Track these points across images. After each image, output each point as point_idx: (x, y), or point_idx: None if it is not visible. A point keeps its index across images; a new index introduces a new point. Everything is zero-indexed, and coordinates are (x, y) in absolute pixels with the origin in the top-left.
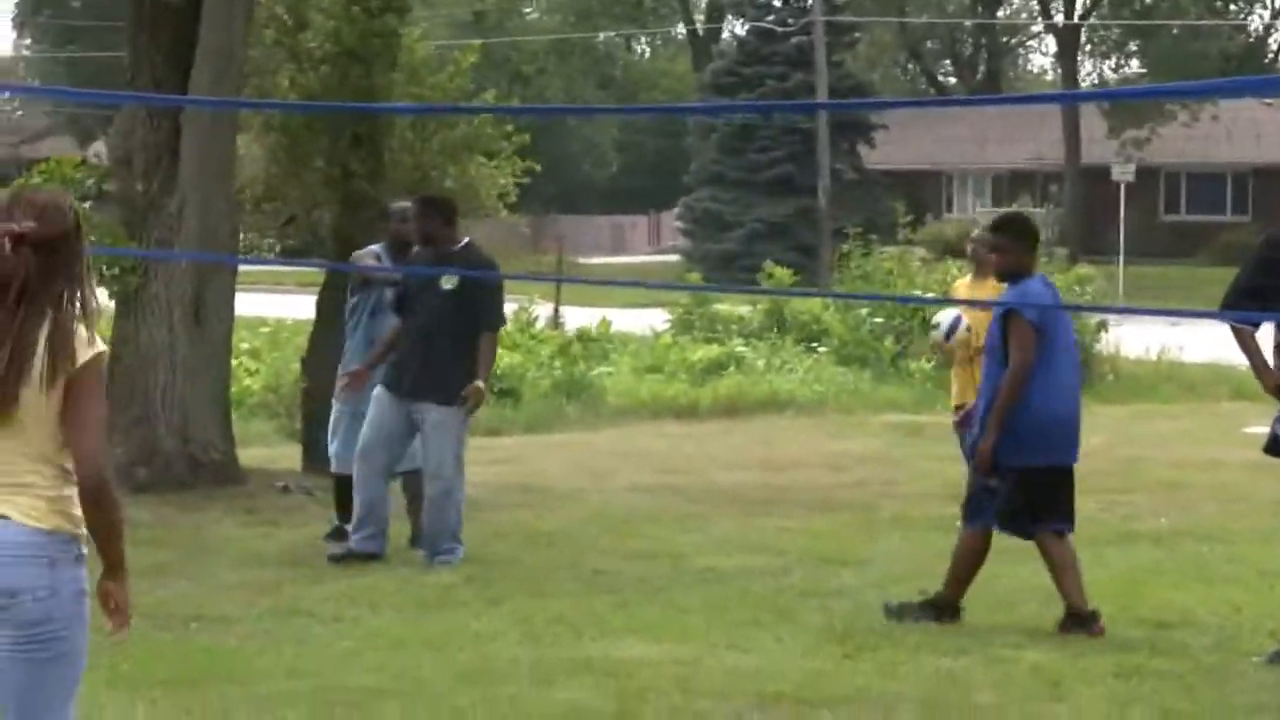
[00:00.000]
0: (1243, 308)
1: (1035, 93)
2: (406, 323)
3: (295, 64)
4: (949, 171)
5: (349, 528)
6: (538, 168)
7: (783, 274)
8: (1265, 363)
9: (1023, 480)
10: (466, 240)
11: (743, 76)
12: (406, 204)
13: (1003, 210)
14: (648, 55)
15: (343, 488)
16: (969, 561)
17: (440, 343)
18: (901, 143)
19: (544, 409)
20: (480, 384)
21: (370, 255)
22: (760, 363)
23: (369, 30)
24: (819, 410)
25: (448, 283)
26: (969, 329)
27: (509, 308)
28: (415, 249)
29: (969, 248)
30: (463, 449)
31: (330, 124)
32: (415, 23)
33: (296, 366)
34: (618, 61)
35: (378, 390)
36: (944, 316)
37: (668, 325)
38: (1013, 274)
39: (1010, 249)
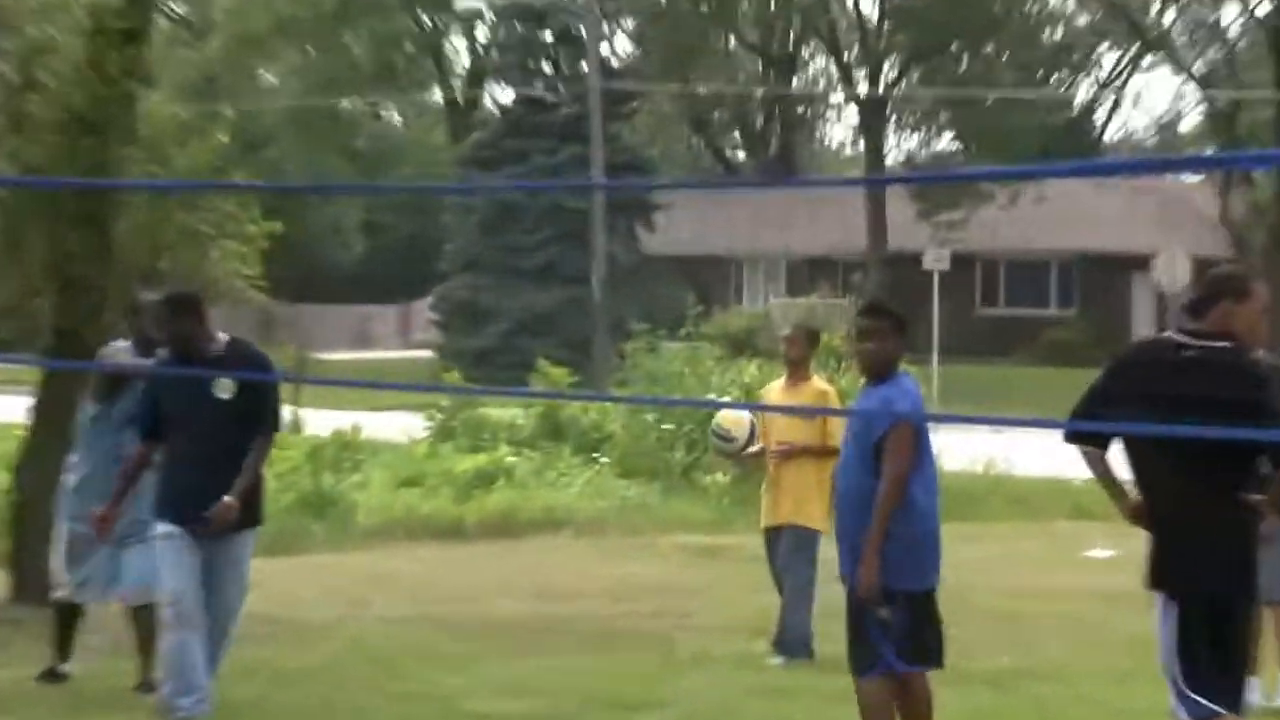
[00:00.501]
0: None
1: (837, 175)
2: (175, 444)
3: (18, 133)
4: (738, 257)
5: (65, 668)
6: (270, 242)
7: (558, 373)
8: (1122, 488)
9: (917, 603)
10: (229, 338)
11: (505, 150)
12: (158, 299)
13: (800, 300)
14: (398, 122)
15: (65, 619)
16: (880, 715)
17: (226, 461)
18: (685, 225)
19: (287, 527)
20: (232, 500)
21: (122, 353)
22: (533, 475)
23: (104, 96)
24: (601, 529)
25: (224, 391)
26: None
27: None
28: (162, 355)
29: (783, 346)
30: None
31: (51, 202)
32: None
33: (4, 476)
34: (363, 131)
35: (166, 529)
36: (732, 422)
37: (426, 431)
38: (886, 369)
39: (889, 338)
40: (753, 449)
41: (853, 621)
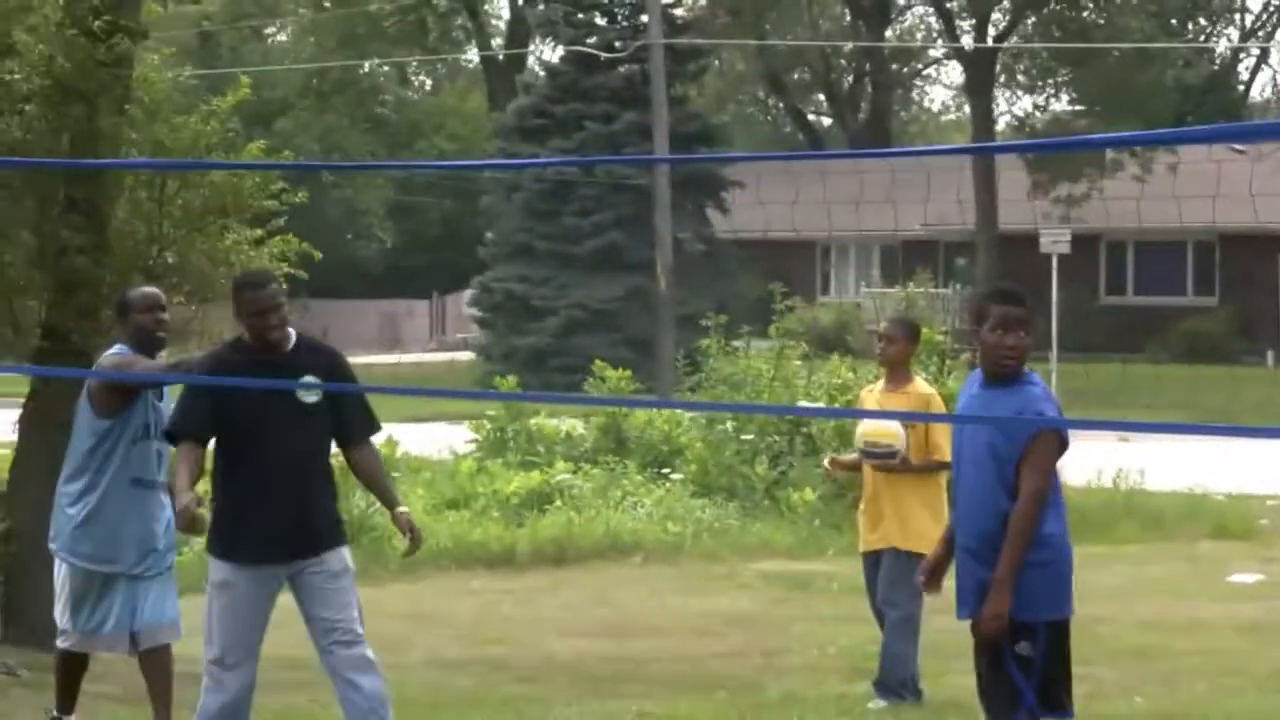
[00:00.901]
0: None
1: (943, 145)
2: (243, 461)
3: (10, 100)
4: (824, 241)
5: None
6: (317, 255)
7: (618, 375)
8: None
9: (1055, 638)
10: (296, 335)
11: (555, 117)
12: (152, 290)
13: (895, 290)
14: (429, 88)
15: (69, 668)
16: None
17: (316, 475)
18: (762, 204)
19: None
20: (404, 508)
21: (120, 359)
22: (595, 494)
23: (92, 58)
24: (673, 556)
25: (310, 393)
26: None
27: None
28: (231, 348)
29: (879, 343)
30: None
31: (38, 184)
32: (154, 49)
33: None
34: (389, 97)
35: (222, 570)
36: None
37: (472, 446)
38: (1017, 370)
39: (1030, 330)
40: (850, 456)
41: (988, 662)
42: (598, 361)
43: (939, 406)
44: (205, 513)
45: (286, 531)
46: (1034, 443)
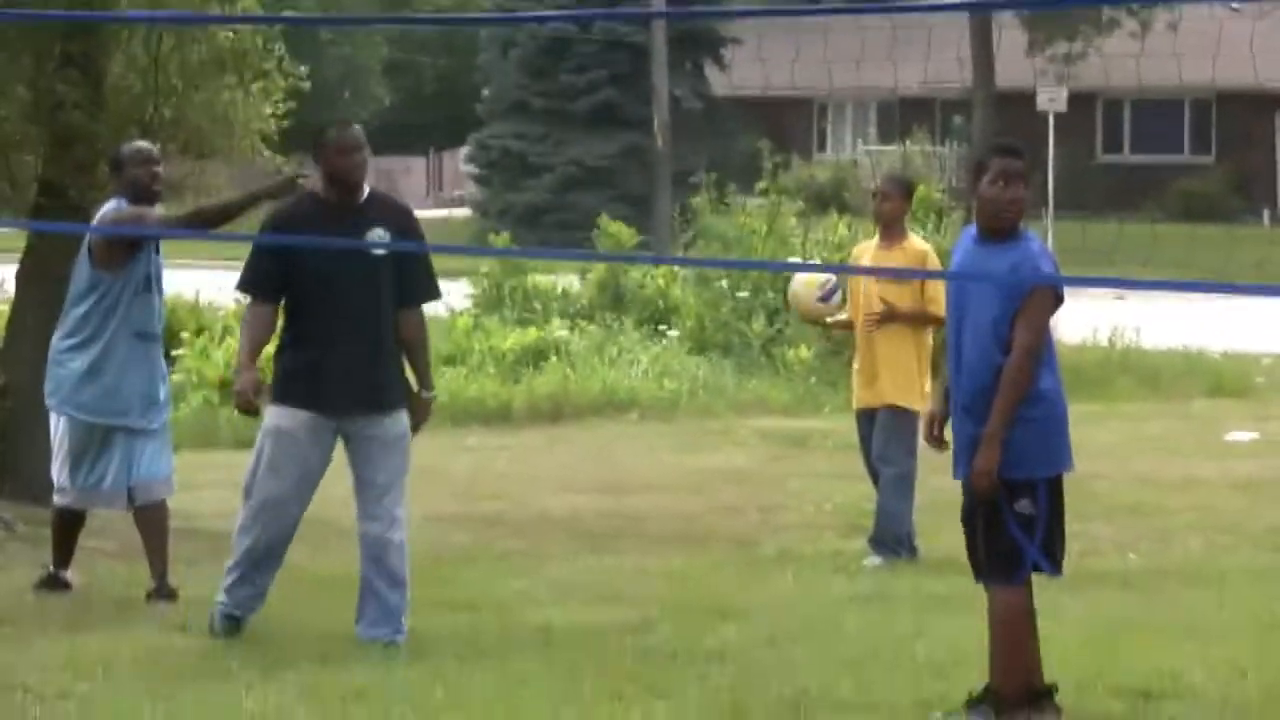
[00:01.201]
0: None
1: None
2: (310, 309)
3: None
4: (821, 99)
5: (66, 575)
6: (305, 85)
7: (624, 231)
8: None
9: (1053, 494)
10: (369, 189)
11: None
12: (145, 144)
13: (891, 148)
14: None
15: (66, 524)
16: (1023, 630)
17: (384, 329)
18: (760, 62)
19: None
20: (432, 394)
21: (132, 212)
22: (591, 351)
23: None
24: (669, 413)
25: (379, 246)
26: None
27: None
28: (299, 199)
29: (874, 200)
30: None
31: (34, 39)
32: None
33: None
34: None
35: (279, 416)
36: (810, 282)
37: (468, 302)
38: (1015, 225)
39: (1022, 182)
40: (842, 316)
41: (986, 521)
42: (603, 216)
43: (934, 262)
44: (263, 403)
45: (349, 379)
46: (1029, 298)
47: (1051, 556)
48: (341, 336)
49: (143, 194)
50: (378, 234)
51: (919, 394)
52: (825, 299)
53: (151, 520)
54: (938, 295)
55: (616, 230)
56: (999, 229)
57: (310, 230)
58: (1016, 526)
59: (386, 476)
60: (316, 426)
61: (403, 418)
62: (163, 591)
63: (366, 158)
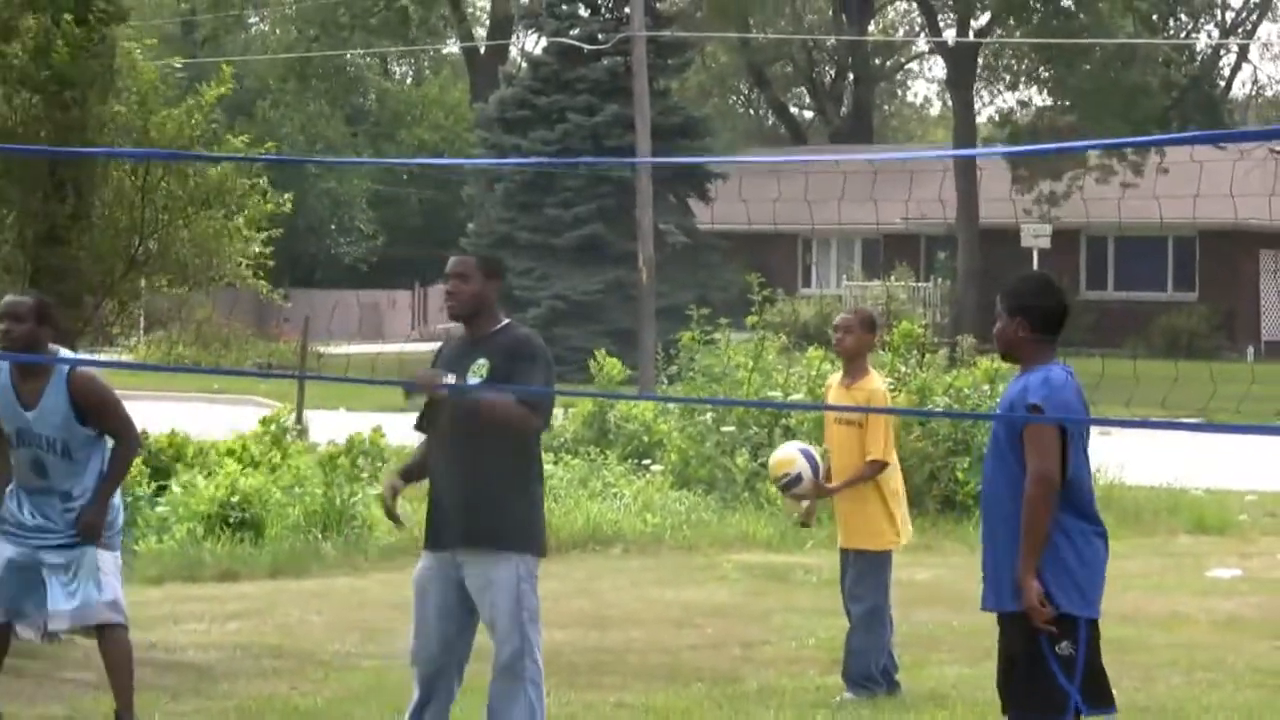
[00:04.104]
0: None
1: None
2: (433, 442)
3: (7, 84)
4: (805, 234)
5: None
6: (288, 209)
7: (616, 366)
8: None
9: (1092, 633)
10: (506, 320)
11: (537, 109)
12: (18, 298)
13: (876, 283)
14: (410, 80)
15: None
16: None
17: (480, 460)
18: (744, 196)
19: (294, 546)
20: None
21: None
22: (576, 485)
23: (84, 45)
24: (653, 547)
25: (475, 378)
26: (824, 454)
27: (246, 413)
28: (448, 333)
29: (835, 335)
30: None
31: (26, 169)
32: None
33: None
34: (370, 89)
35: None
36: (781, 462)
37: None
38: (1015, 356)
39: (1004, 317)
40: (805, 503)
41: (1024, 657)
42: (599, 352)
43: (882, 401)
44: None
45: (447, 514)
46: (1025, 430)
47: (1091, 697)
48: (439, 470)
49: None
50: (479, 364)
51: (887, 534)
52: (784, 487)
53: (113, 648)
54: (876, 438)
55: (609, 364)
56: (1005, 360)
57: (444, 363)
58: (1058, 668)
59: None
60: (436, 562)
61: (500, 561)
62: None
63: (466, 285)
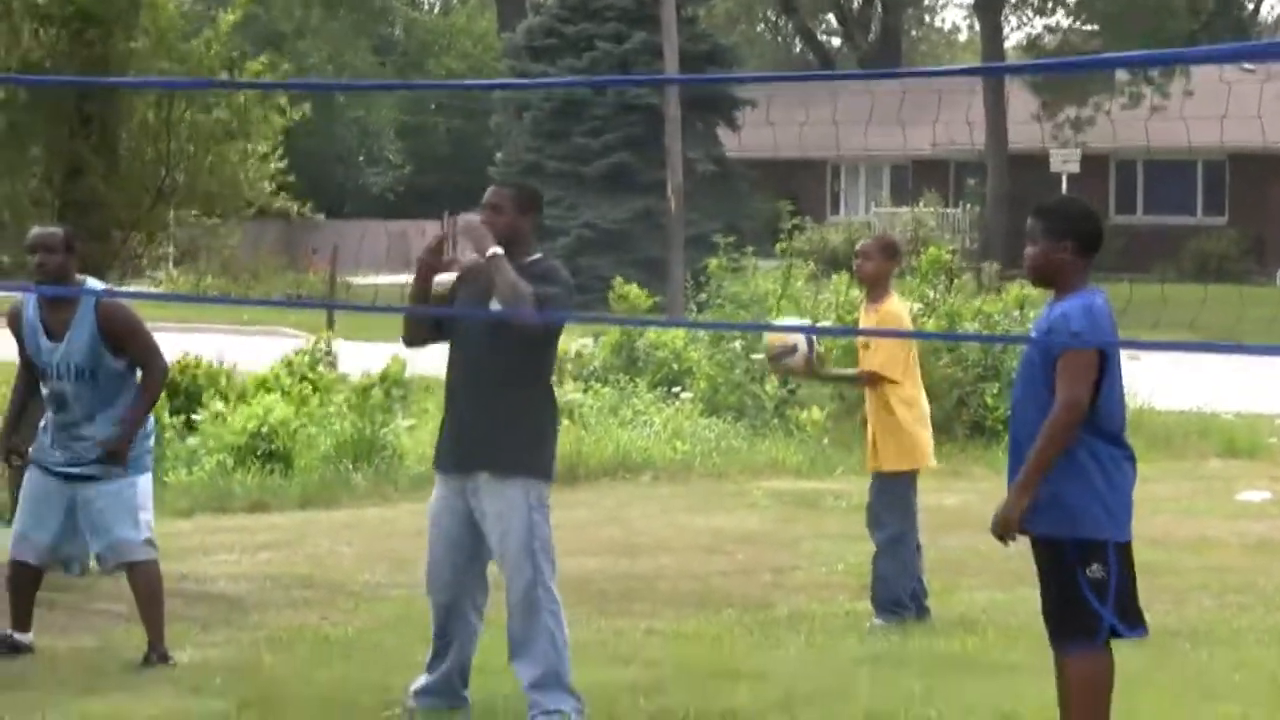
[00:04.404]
0: None
1: (958, 65)
2: (450, 364)
3: (33, 19)
4: (834, 161)
5: (23, 638)
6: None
7: (637, 294)
8: None
9: (1123, 558)
10: (538, 254)
11: (565, 37)
12: (50, 229)
13: (904, 210)
14: (438, 9)
15: (20, 581)
16: (1102, 696)
17: (488, 385)
18: (773, 124)
19: (324, 477)
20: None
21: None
22: (605, 413)
23: None
24: (683, 475)
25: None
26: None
27: (275, 344)
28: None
29: (856, 261)
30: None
31: (52, 103)
32: None
33: None
34: (398, 18)
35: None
36: (776, 338)
37: None
38: (1046, 280)
39: (1057, 245)
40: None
41: (1059, 585)
42: (617, 279)
43: (901, 323)
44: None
45: (460, 435)
46: (1062, 356)
47: (1126, 618)
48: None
49: (37, 280)
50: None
51: (907, 455)
52: (776, 356)
53: (144, 580)
54: (876, 354)
55: (630, 293)
56: (1037, 285)
57: (465, 286)
58: (1089, 590)
59: (493, 546)
60: (444, 484)
61: (510, 484)
62: (155, 656)
63: (500, 216)
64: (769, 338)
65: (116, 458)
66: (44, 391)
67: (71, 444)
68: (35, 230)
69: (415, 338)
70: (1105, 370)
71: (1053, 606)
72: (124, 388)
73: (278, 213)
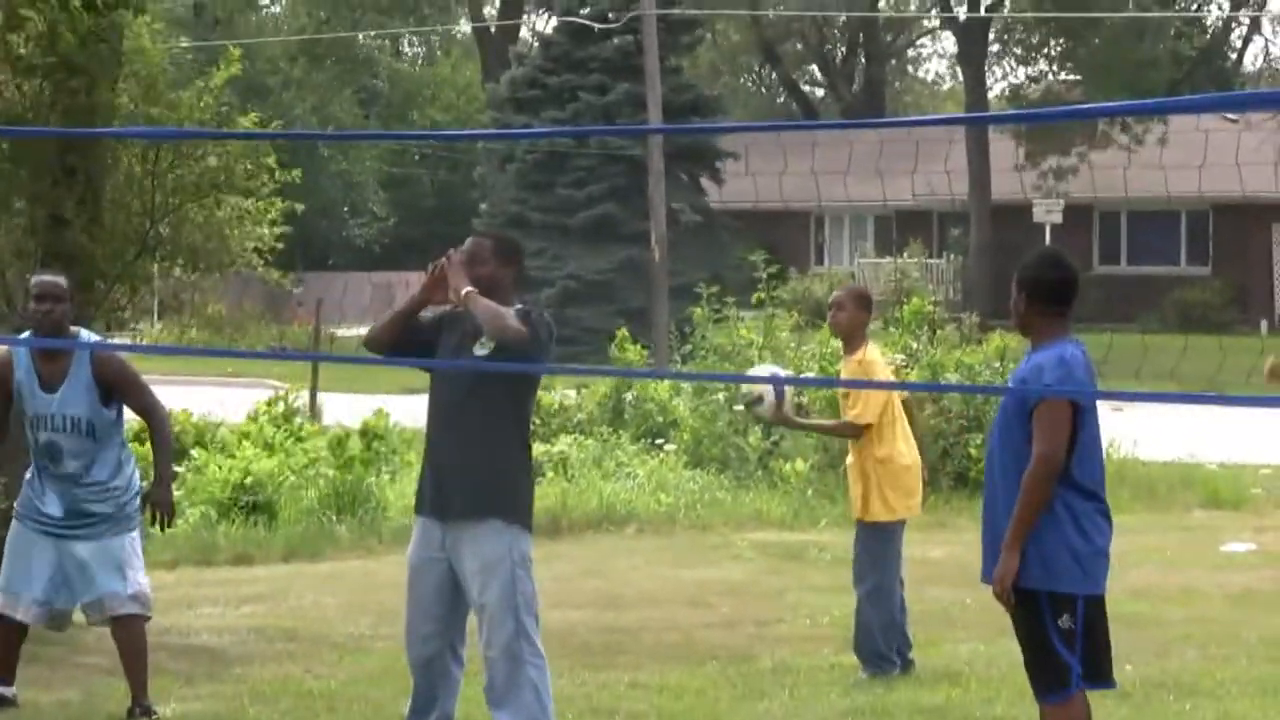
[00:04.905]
0: None
1: (940, 115)
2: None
3: (15, 72)
4: (817, 212)
5: (6, 691)
6: (298, 207)
7: (635, 350)
8: None
9: (1096, 611)
10: (519, 305)
11: (549, 88)
12: (49, 277)
13: (887, 261)
14: (421, 61)
15: (6, 635)
16: None
17: (468, 429)
18: (757, 175)
19: (308, 529)
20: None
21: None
22: (589, 465)
23: (93, 31)
24: (667, 527)
25: (480, 349)
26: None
27: (255, 394)
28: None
29: (829, 312)
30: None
31: (35, 154)
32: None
33: None
34: (381, 70)
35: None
36: (749, 387)
37: None
38: (1027, 332)
39: (1019, 295)
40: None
41: (1028, 632)
42: (621, 331)
43: (875, 373)
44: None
45: (439, 480)
46: (1038, 407)
47: (1091, 670)
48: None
49: (40, 331)
50: (485, 340)
51: (880, 507)
52: (748, 405)
53: (128, 635)
54: (856, 404)
55: (630, 349)
56: (1025, 335)
57: (447, 326)
58: (1060, 641)
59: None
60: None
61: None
62: (138, 710)
63: (481, 269)
64: (743, 386)
65: (167, 509)
66: (34, 442)
67: (66, 498)
68: (42, 278)
69: (381, 342)
70: (1081, 422)
71: (1027, 657)
72: (116, 437)
73: (260, 271)
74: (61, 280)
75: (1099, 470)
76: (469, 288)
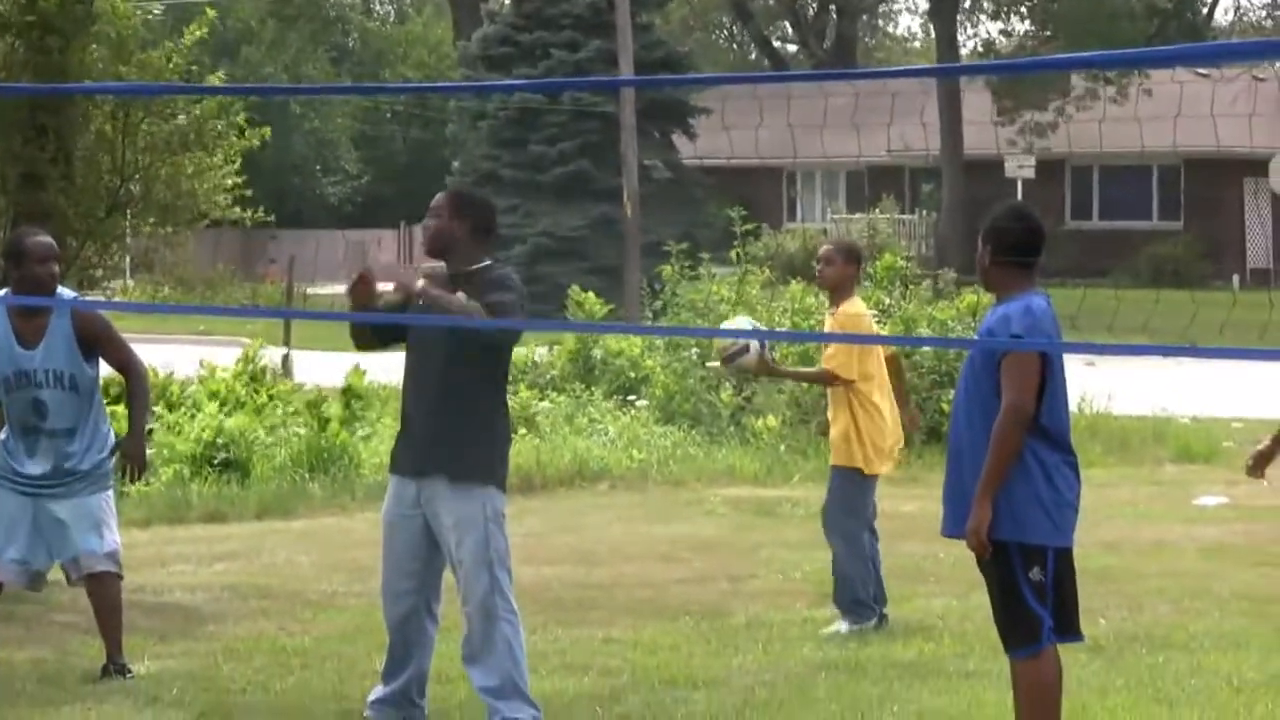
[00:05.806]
0: None
1: (910, 66)
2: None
3: None
4: (790, 168)
5: None
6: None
7: (594, 303)
8: None
9: (1065, 563)
10: (488, 261)
11: (521, 45)
12: (46, 238)
13: (860, 216)
14: (393, 19)
15: None
16: (1050, 700)
17: (442, 392)
18: (729, 131)
19: (281, 487)
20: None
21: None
22: (561, 422)
23: None
24: (639, 483)
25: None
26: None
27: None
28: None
29: (817, 267)
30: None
31: (7, 113)
32: None
33: None
34: (353, 28)
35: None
36: (739, 327)
37: None
38: (992, 286)
39: (983, 249)
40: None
41: (998, 585)
42: (574, 288)
43: (862, 325)
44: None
45: (414, 440)
46: (1005, 359)
47: (1062, 624)
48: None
49: (40, 291)
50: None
51: (858, 455)
52: (729, 358)
53: (103, 592)
54: (835, 355)
55: (587, 301)
56: (989, 290)
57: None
58: (1031, 594)
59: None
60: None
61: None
62: (113, 668)
63: (436, 221)
64: (722, 341)
65: (139, 464)
66: (11, 402)
67: (46, 455)
68: (39, 239)
69: (362, 343)
70: (1048, 374)
71: (998, 610)
72: (95, 398)
73: (233, 222)
74: (52, 240)
75: (1066, 422)
76: (420, 284)
